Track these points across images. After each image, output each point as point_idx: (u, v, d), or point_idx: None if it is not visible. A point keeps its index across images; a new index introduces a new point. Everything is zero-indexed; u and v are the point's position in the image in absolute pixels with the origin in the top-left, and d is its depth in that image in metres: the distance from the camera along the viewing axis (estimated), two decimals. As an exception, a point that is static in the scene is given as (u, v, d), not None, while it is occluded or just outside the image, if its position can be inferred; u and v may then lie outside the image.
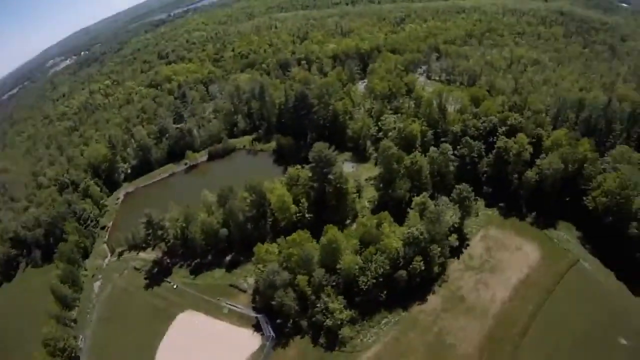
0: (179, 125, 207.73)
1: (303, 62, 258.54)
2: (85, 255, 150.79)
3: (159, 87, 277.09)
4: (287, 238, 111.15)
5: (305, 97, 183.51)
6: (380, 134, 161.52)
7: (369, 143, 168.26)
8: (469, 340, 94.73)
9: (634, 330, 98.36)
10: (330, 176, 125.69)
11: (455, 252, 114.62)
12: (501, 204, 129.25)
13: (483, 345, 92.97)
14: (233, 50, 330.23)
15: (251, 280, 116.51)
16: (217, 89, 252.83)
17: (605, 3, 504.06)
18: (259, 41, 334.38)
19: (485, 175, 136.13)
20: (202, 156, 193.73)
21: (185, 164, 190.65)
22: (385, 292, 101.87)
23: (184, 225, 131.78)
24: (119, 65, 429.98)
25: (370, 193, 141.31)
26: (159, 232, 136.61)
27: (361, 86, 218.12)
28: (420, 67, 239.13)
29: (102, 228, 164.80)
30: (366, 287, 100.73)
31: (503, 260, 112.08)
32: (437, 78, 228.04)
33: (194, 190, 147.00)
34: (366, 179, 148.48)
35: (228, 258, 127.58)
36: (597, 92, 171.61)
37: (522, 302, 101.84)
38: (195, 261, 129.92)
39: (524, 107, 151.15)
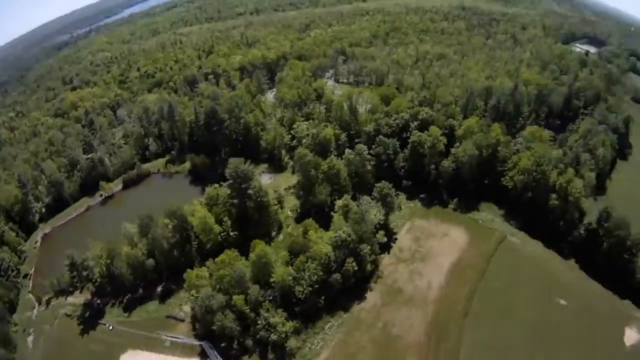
0: (89, 155, 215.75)
1: (210, 76, 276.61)
2: (13, 308, 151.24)
3: (65, 116, 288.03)
4: (216, 260, 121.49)
5: (215, 113, 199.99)
6: (294, 142, 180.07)
7: (284, 152, 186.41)
8: (415, 328, 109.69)
9: (569, 290, 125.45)
10: (250, 191, 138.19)
11: (385, 247, 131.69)
12: (422, 195, 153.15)
13: (429, 331, 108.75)
14: (139, 70, 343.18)
15: (187, 308, 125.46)
16: (125, 112, 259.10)
17: None
18: (164, 58, 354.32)
19: (403, 170, 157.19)
20: (117, 185, 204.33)
21: (101, 195, 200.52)
22: (323, 297, 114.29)
23: (108, 261, 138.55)
24: (22, 95, 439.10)
25: (292, 202, 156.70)
26: (84, 273, 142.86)
27: (270, 96, 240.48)
28: (328, 72, 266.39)
29: (25, 276, 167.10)
30: (303, 295, 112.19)
31: (433, 248, 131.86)
32: (346, 81, 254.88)
33: (113, 223, 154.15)
34: (286, 189, 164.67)
35: (159, 289, 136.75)
36: (503, 79, 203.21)
37: (459, 284, 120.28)
38: (127, 297, 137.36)
39: (434, 100, 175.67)
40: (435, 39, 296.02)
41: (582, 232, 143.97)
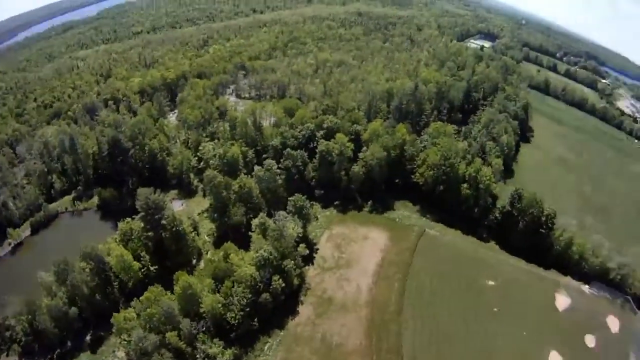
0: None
1: (110, 102, 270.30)
2: None
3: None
4: (141, 298, 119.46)
5: (118, 142, 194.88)
6: (202, 164, 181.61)
7: (192, 176, 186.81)
8: (353, 334, 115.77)
9: (495, 271, 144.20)
10: (164, 221, 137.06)
11: (308, 259, 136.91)
12: (336, 202, 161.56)
13: (368, 333, 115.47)
14: (35, 101, 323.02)
15: (121, 354, 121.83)
16: (24, 148, 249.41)
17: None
18: (61, 86, 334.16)
19: (314, 180, 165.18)
20: (25, 230, 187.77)
21: (10, 244, 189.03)
22: (256, 319, 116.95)
23: (29, 317, 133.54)
24: None
25: (207, 226, 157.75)
26: (7, 334, 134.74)
27: (173, 118, 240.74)
28: (229, 88, 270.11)
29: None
30: (236, 321, 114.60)
31: (355, 253, 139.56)
32: (248, 95, 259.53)
33: (28, 273, 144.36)
34: (199, 213, 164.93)
35: (88, 338, 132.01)
36: (403, 80, 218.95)
37: (387, 284, 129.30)
38: (56, 352, 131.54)
39: (337, 107, 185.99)
40: (333, 46, 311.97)
41: (497, 215, 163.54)
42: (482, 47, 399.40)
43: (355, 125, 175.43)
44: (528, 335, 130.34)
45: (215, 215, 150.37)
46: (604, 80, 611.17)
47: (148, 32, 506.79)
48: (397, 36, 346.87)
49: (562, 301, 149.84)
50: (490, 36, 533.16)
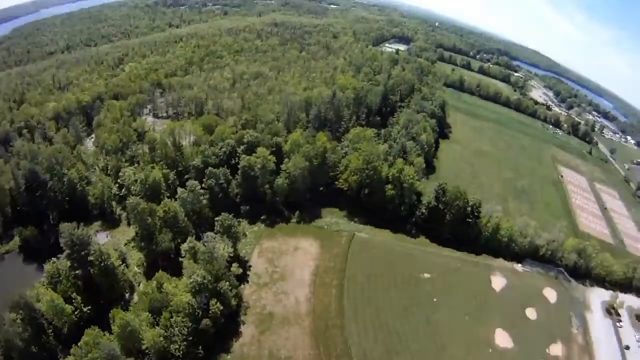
0: None
1: (25, 130, 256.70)
2: None
3: None
4: (79, 344, 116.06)
5: (35, 175, 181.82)
6: (124, 190, 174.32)
7: (114, 204, 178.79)
8: (300, 345, 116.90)
9: (429, 263, 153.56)
10: (91, 257, 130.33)
11: (243, 278, 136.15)
12: (263, 217, 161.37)
13: (314, 343, 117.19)
14: None
15: None
16: None
17: (316, 8, 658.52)
18: None
19: (238, 196, 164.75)
20: None
21: None
22: (200, 346, 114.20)
23: None
24: None
25: (136, 256, 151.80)
26: None
27: (90, 143, 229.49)
28: (147, 107, 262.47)
29: None
30: (181, 352, 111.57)
31: (288, 265, 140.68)
32: (166, 114, 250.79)
33: None
34: (126, 243, 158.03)
35: None
36: (321, 88, 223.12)
37: (325, 291, 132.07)
38: None
39: (256, 121, 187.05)
40: (250, 58, 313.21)
41: (424, 211, 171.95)
42: (397, 51, 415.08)
43: (275, 137, 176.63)
44: (471, 319, 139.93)
45: (143, 244, 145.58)
46: (516, 74, 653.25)
47: (62, 52, 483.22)
48: (314, 45, 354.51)
49: (498, 282, 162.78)
50: (405, 39, 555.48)
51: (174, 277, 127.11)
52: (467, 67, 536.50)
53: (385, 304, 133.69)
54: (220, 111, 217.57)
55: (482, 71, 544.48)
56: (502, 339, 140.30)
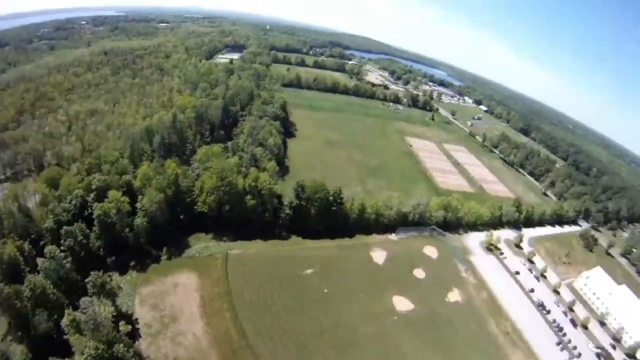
0: None
1: None
2: None
3: None
4: None
5: None
6: None
7: None
8: None
9: (308, 260, 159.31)
10: None
11: (134, 333, 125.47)
12: (132, 263, 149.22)
13: None
14: None
15: None
16: None
17: (145, 29, 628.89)
18: None
19: (101, 249, 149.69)
20: None
21: None
22: None
23: None
24: None
25: (18, 350, 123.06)
26: None
27: None
28: None
29: None
30: None
31: (174, 304, 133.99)
32: (4, 177, 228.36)
33: None
34: (2, 339, 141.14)
35: None
36: (160, 113, 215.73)
37: (219, 317, 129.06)
38: None
39: (101, 162, 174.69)
40: (83, 94, 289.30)
41: (288, 212, 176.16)
42: (231, 60, 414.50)
43: (124, 176, 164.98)
44: (366, 296, 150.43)
45: (19, 333, 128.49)
46: (351, 62, 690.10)
47: None
48: (147, 68, 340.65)
49: (379, 256, 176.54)
50: (238, 47, 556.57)
51: (66, 359, 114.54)
52: (302, 64, 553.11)
53: (281, 310, 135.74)
54: (61, 160, 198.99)
55: (317, 65, 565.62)
56: (402, 304, 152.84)
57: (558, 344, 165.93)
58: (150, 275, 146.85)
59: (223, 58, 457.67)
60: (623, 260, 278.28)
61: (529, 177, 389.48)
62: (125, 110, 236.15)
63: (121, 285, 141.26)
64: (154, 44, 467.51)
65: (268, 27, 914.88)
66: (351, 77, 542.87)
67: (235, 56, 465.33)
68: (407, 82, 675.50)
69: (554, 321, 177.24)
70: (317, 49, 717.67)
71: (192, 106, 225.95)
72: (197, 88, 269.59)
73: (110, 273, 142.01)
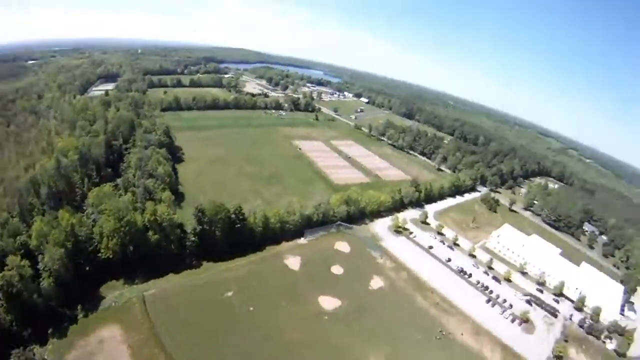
0: None
1: None
2: None
3: None
4: None
5: None
6: None
7: None
8: None
9: (225, 282, 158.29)
10: None
11: None
12: (49, 330, 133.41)
13: None
14: None
15: None
16: None
17: (13, 69, 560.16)
18: None
19: (13, 323, 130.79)
20: None
21: None
22: None
23: None
24: None
25: None
26: None
27: None
28: None
29: None
30: None
31: None
32: None
33: None
34: None
35: None
36: (42, 160, 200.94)
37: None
38: None
39: None
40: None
41: (193, 238, 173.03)
42: (107, 92, 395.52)
43: (18, 237, 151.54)
44: (290, 303, 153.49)
45: None
46: (227, 75, 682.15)
47: None
48: (20, 113, 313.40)
49: (293, 262, 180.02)
50: (111, 77, 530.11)
51: None
52: (179, 84, 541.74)
53: (213, 338, 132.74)
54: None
55: (194, 84, 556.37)
56: (328, 302, 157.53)
57: (488, 301, 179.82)
58: (71, 338, 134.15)
59: (98, 90, 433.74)
60: (527, 213, 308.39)
61: (420, 157, 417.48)
62: (5, 163, 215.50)
63: (45, 357, 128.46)
64: (24, 85, 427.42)
65: (140, 50, 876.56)
66: (229, 91, 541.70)
67: (110, 86, 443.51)
68: (285, 87, 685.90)
69: (478, 282, 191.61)
70: (192, 67, 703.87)
71: (74, 147, 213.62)
72: (76, 127, 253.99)
73: (30, 347, 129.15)
